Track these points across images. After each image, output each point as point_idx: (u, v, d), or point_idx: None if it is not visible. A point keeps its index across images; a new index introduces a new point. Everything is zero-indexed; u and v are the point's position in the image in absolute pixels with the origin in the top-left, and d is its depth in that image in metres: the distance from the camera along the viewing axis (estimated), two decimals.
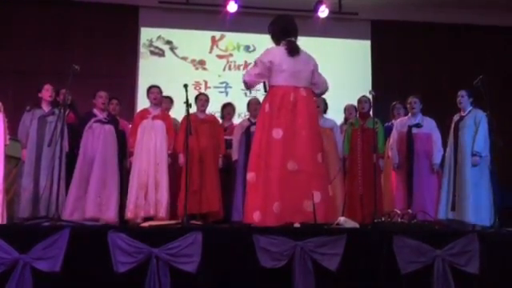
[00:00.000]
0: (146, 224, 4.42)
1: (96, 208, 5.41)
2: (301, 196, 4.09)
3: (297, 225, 3.96)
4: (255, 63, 4.48)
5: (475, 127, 5.42)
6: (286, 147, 4.17)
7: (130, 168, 5.80)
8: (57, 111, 5.44)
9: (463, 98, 5.67)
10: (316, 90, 4.54)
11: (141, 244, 3.49)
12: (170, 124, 5.94)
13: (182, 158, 5.79)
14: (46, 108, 5.66)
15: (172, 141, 5.85)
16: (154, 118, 5.83)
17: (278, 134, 4.20)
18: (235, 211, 5.87)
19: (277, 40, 4.49)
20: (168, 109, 6.47)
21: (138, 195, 5.56)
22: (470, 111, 5.62)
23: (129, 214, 5.51)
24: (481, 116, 5.37)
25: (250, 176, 4.27)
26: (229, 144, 6.27)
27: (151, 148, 5.69)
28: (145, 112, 5.95)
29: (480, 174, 5.30)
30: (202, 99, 6.18)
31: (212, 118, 6.34)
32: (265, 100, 4.43)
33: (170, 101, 6.56)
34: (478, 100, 5.57)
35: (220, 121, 6.64)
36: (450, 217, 5.42)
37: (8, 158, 5.45)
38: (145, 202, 5.55)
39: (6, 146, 5.18)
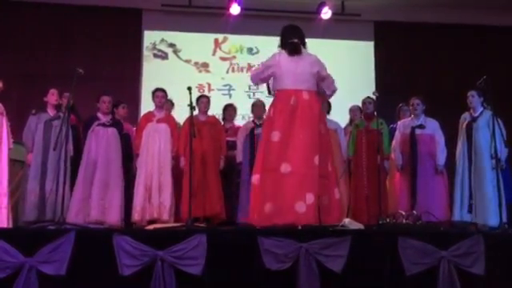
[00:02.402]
0: (150, 227, 4.44)
1: (100, 211, 5.42)
2: (292, 198, 4.13)
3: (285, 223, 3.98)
4: (260, 63, 4.62)
5: (489, 129, 5.38)
6: (282, 150, 4.25)
7: (136, 171, 5.81)
8: (62, 115, 5.46)
9: (473, 97, 5.66)
10: (327, 91, 4.59)
11: (146, 247, 3.50)
12: (174, 127, 5.95)
13: (183, 161, 5.81)
14: (51, 112, 5.68)
15: (176, 143, 5.86)
16: (159, 121, 5.85)
17: (276, 136, 4.29)
18: (240, 213, 5.87)
19: (283, 46, 4.54)
20: (169, 110, 6.47)
21: (144, 198, 5.57)
22: (481, 112, 5.62)
23: (136, 216, 5.52)
24: (493, 118, 5.29)
25: (255, 178, 4.36)
26: (231, 145, 6.28)
27: (155, 151, 5.71)
28: (150, 115, 5.97)
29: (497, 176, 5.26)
30: (204, 101, 6.18)
31: (213, 119, 6.34)
32: (271, 104, 4.55)
33: (170, 103, 6.55)
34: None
35: (221, 122, 6.64)
36: (466, 219, 5.41)
37: (12, 161, 5.47)
38: (149, 205, 5.56)
39: (9, 149, 5.20)
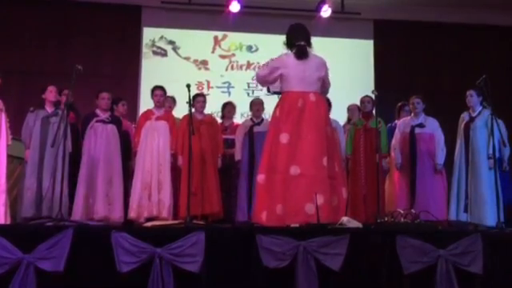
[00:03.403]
0: (148, 224, 4.43)
1: (106, 208, 5.43)
2: (302, 199, 4.17)
3: (295, 225, 3.97)
4: (266, 65, 4.61)
5: (488, 129, 5.39)
6: (291, 152, 4.29)
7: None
8: (60, 112, 5.45)
9: (472, 97, 5.66)
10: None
11: (144, 244, 3.49)
12: (173, 124, 5.94)
13: (181, 160, 5.81)
14: (49, 109, 5.67)
15: (174, 141, 5.85)
16: (157, 118, 5.84)
17: (284, 138, 4.33)
18: (239, 211, 5.88)
19: (289, 47, 4.57)
20: (170, 108, 6.47)
21: (141, 195, 5.58)
22: (480, 112, 5.63)
23: (132, 214, 5.53)
24: (492, 117, 5.26)
25: (260, 178, 4.40)
26: (230, 143, 6.28)
27: (154, 149, 5.70)
28: (149, 113, 5.97)
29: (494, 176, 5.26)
30: (200, 100, 6.16)
31: (210, 118, 6.32)
32: (277, 105, 4.56)
33: (172, 100, 6.55)
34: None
35: (218, 120, 6.63)
36: (462, 218, 5.42)
37: (11, 158, 5.47)
38: (148, 203, 5.56)
39: (8, 146, 5.20)
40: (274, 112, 4.56)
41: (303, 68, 4.42)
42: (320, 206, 4.11)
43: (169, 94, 6.39)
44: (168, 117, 5.98)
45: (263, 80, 4.60)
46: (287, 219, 4.12)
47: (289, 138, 4.30)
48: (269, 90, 4.70)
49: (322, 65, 4.52)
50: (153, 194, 5.58)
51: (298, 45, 4.47)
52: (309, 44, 4.53)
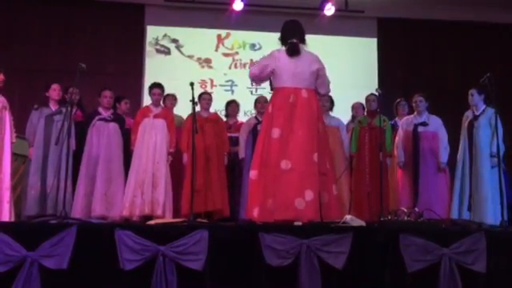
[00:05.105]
0: (152, 222, 4.44)
1: (103, 206, 5.43)
2: (293, 194, 4.17)
3: (298, 223, 3.97)
4: (258, 61, 4.69)
5: (491, 128, 5.38)
6: (282, 147, 4.29)
7: None
8: (64, 110, 5.46)
9: (473, 96, 5.66)
10: (321, 91, 4.62)
11: (147, 242, 3.50)
12: (172, 122, 5.89)
13: (185, 158, 5.80)
14: (53, 107, 5.69)
15: (174, 139, 5.82)
16: (155, 116, 5.80)
17: (275, 133, 4.33)
18: (242, 209, 5.87)
19: (283, 44, 4.57)
20: (172, 105, 6.46)
21: (134, 193, 5.52)
22: (483, 110, 5.62)
23: (125, 212, 5.47)
24: (496, 116, 5.29)
25: (253, 173, 4.40)
26: (234, 141, 6.28)
27: (151, 146, 5.65)
28: (146, 110, 5.93)
29: (496, 175, 5.25)
30: (206, 98, 6.17)
31: (215, 116, 6.31)
32: (269, 101, 4.59)
33: (173, 98, 6.52)
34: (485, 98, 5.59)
35: (223, 119, 6.63)
36: (465, 217, 5.42)
37: (15, 155, 5.48)
38: (140, 201, 5.50)
39: (12, 143, 5.21)
40: (267, 108, 4.57)
41: (295, 64, 4.41)
42: (309, 201, 4.12)
43: (172, 92, 6.38)
44: (166, 114, 5.92)
45: (255, 77, 4.59)
46: (277, 214, 4.13)
47: (280, 133, 4.30)
48: (272, 88, 4.69)
49: (315, 60, 4.50)
50: (145, 192, 5.52)
51: (291, 42, 4.47)
52: (302, 41, 4.52)
